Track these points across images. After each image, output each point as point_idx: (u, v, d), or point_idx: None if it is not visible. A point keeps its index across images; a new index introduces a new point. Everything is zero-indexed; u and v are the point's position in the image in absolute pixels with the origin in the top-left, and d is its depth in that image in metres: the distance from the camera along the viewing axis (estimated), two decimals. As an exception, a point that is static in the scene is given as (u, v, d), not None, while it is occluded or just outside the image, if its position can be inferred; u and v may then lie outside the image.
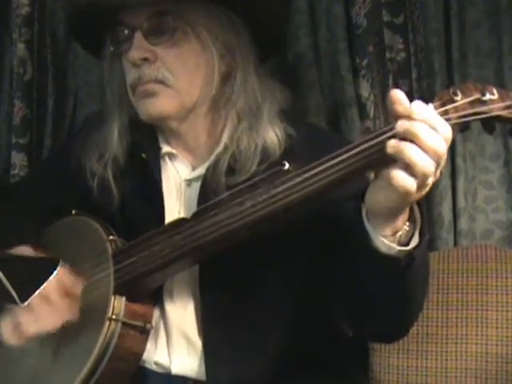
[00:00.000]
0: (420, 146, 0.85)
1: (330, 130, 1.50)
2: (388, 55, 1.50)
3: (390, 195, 0.88)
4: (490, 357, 1.30)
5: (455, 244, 1.46)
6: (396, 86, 1.50)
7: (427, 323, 1.34)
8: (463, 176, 1.45)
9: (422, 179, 0.86)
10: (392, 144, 0.86)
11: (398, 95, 0.87)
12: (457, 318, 1.33)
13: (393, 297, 0.99)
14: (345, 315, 1.15)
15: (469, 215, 1.45)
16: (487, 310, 1.31)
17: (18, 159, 1.67)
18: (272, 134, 1.12)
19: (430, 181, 0.88)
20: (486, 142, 1.46)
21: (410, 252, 0.93)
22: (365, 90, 1.48)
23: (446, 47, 1.46)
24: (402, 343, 1.35)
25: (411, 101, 1.43)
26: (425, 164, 0.85)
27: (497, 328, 1.30)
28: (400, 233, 0.93)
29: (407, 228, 0.94)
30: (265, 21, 1.15)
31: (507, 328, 1.30)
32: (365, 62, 1.48)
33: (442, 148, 0.86)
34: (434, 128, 0.86)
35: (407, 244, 0.94)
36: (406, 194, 0.87)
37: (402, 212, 0.92)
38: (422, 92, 1.48)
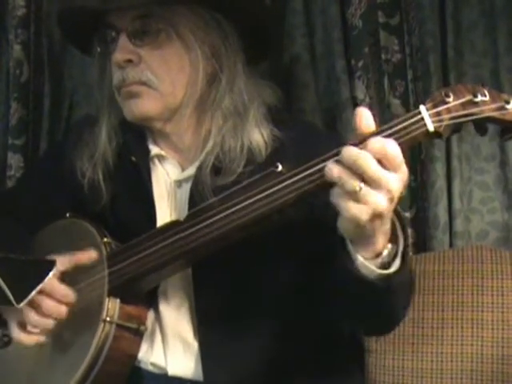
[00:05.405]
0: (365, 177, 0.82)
1: (325, 129, 1.49)
2: (383, 56, 1.50)
3: (348, 222, 0.85)
4: (486, 358, 1.29)
5: (451, 245, 1.45)
6: (392, 87, 1.50)
7: (423, 324, 1.34)
8: (459, 177, 1.44)
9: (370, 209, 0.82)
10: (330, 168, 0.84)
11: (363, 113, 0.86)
12: (452, 319, 1.33)
13: (374, 309, 0.99)
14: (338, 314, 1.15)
15: (464, 216, 1.45)
16: (483, 311, 1.31)
17: (15, 160, 1.66)
18: (258, 136, 1.11)
19: (385, 206, 0.83)
20: (481, 143, 1.45)
21: (388, 276, 0.91)
22: (360, 92, 1.48)
23: (442, 48, 1.46)
24: (397, 344, 1.35)
25: (408, 101, 1.48)
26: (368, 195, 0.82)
27: (492, 329, 1.30)
28: (382, 255, 0.90)
29: (389, 250, 0.91)
30: (252, 23, 1.15)
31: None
32: (360, 64, 1.48)
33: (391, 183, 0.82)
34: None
35: (389, 265, 0.91)
36: (357, 222, 0.84)
37: (376, 236, 0.88)
38: (417, 93, 1.48)
